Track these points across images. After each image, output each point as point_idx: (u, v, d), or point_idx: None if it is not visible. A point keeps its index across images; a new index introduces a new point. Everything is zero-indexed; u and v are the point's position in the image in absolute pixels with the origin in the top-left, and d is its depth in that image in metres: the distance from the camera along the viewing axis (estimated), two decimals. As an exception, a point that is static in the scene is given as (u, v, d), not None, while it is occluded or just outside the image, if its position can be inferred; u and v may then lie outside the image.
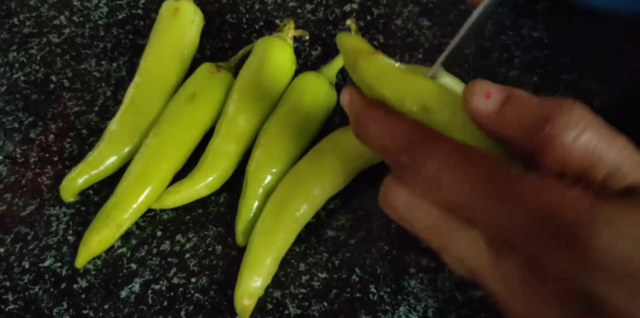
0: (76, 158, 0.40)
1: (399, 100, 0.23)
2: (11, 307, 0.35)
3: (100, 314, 0.34)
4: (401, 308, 0.33)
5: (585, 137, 0.18)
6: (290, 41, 0.41)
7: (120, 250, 0.37)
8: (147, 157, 0.37)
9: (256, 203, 0.36)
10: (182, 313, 0.34)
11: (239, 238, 0.36)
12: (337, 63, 0.41)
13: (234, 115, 0.38)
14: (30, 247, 0.37)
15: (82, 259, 0.35)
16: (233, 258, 0.36)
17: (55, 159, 0.40)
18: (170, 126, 0.38)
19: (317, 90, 0.39)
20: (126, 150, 0.38)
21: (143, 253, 0.36)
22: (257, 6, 0.46)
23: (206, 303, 0.34)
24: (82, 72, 0.44)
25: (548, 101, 0.19)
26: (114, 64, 0.44)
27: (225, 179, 0.38)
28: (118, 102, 0.41)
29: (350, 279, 0.35)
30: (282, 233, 0.35)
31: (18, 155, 0.41)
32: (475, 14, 0.25)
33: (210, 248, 0.36)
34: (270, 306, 0.34)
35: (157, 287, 0.35)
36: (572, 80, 0.40)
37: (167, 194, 0.37)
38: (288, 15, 0.45)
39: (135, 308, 0.35)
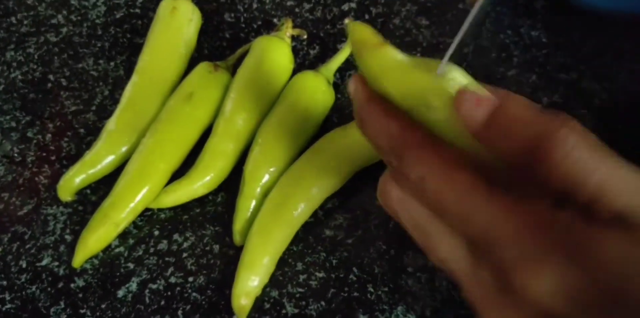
0: (73, 157, 0.40)
1: (400, 95, 0.22)
2: (8, 306, 0.35)
3: (98, 313, 0.34)
4: (399, 308, 0.33)
5: (575, 155, 0.18)
6: (288, 40, 0.41)
7: (117, 250, 0.37)
8: (144, 156, 0.37)
9: (254, 203, 0.36)
10: (180, 312, 0.34)
11: (237, 238, 0.36)
12: (335, 62, 0.41)
13: (231, 114, 0.38)
14: (28, 246, 0.37)
15: (79, 258, 0.35)
16: (230, 258, 0.36)
17: (53, 158, 0.40)
18: (168, 125, 0.38)
19: (314, 89, 0.39)
20: (124, 149, 0.38)
21: (140, 253, 0.36)
22: (255, 5, 0.46)
23: (203, 302, 0.34)
24: (79, 71, 0.44)
25: (540, 116, 0.19)
26: (112, 63, 0.44)
27: (222, 178, 0.38)
28: (116, 101, 0.41)
29: (348, 278, 0.35)
30: (279, 233, 0.35)
31: (15, 155, 0.41)
32: (475, 8, 0.25)
33: (207, 248, 0.36)
34: (267, 305, 0.34)
35: (154, 286, 0.35)
36: (571, 80, 0.40)
37: (164, 193, 0.37)
38: (286, 15, 0.45)
39: (132, 308, 0.34)
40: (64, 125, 0.41)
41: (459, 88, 0.21)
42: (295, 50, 0.43)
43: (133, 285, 0.35)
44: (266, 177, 0.36)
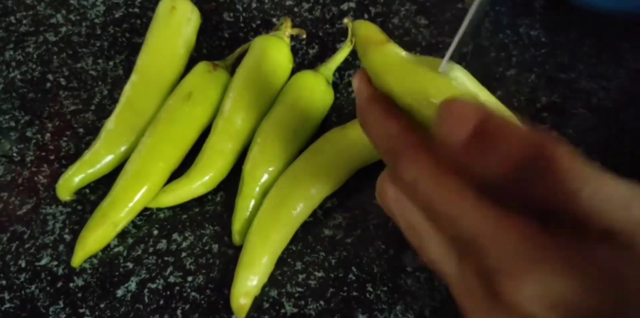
0: (72, 157, 0.40)
1: (402, 92, 0.22)
2: (7, 305, 0.35)
3: (97, 313, 0.34)
4: (398, 307, 0.33)
5: (579, 166, 0.17)
6: (287, 40, 0.41)
7: (116, 249, 0.37)
8: (143, 155, 0.37)
9: (253, 202, 0.36)
10: (179, 312, 0.34)
11: (236, 237, 0.36)
12: (334, 62, 0.41)
13: (230, 113, 0.38)
14: (27, 245, 0.37)
15: (78, 258, 0.35)
16: (229, 257, 0.36)
17: (52, 157, 0.40)
18: (167, 125, 0.38)
19: (314, 88, 0.39)
20: (123, 148, 0.38)
21: (139, 252, 0.36)
22: (254, 5, 0.46)
23: (202, 302, 0.34)
24: (78, 71, 0.44)
25: (528, 136, 0.18)
26: (111, 63, 0.44)
27: (221, 178, 0.38)
28: (114, 101, 0.41)
29: (347, 278, 0.35)
30: (278, 232, 0.35)
31: (14, 154, 0.41)
32: (473, 7, 0.25)
33: (206, 247, 0.36)
34: (266, 305, 0.34)
35: (153, 285, 0.35)
36: (570, 79, 0.40)
37: (163, 193, 0.37)
38: (285, 14, 0.45)
39: (131, 307, 0.34)
40: (63, 125, 0.41)
41: (468, 82, 0.20)
42: (294, 50, 0.43)
43: (132, 285, 0.35)
44: (265, 177, 0.36)
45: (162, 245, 0.36)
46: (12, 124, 0.42)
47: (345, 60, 0.42)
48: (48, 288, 0.35)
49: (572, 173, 0.17)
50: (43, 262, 0.36)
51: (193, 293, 0.35)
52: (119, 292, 0.35)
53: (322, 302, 0.34)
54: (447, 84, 0.22)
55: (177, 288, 0.35)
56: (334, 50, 0.42)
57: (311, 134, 0.38)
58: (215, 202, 0.38)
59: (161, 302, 0.35)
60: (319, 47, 0.43)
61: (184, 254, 0.36)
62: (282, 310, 0.34)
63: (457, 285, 0.20)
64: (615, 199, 0.17)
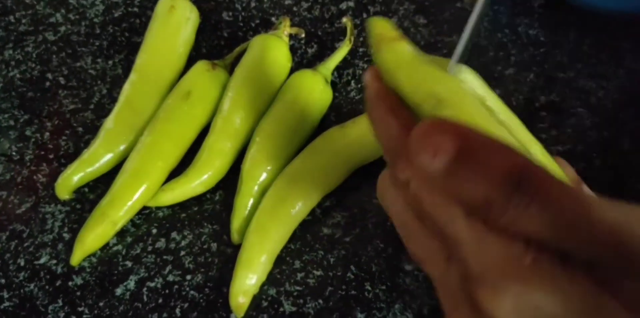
0: (72, 156, 0.40)
1: (412, 89, 0.22)
2: (6, 304, 0.35)
3: (96, 311, 0.34)
4: (396, 306, 0.33)
5: (557, 206, 0.16)
6: (286, 39, 0.41)
7: (115, 248, 0.37)
8: (142, 154, 0.37)
9: (251, 201, 0.36)
10: (177, 310, 0.34)
11: (234, 236, 0.36)
12: (333, 61, 0.41)
13: (229, 112, 0.38)
14: (26, 244, 0.37)
15: (77, 257, 0.35)
16: (228, 256, 0.36)
17: (51, 156, 0.40)
18: (166, 124, 0.38)
19: (312, 88, 0.39)
20: (121, 147, 0.38)
21: (138, 251, 0.36)
22: (253, 4, 0.46)
23: (201, 300, 0.34)
24: (77, 70, 0.44)
25: (513, 164, 0.16)
26: (110, 62, 0.44)
27: (220, 177, 0.38)
28: (114, 100, 0.41)
29: (346, 277, 0.35)
30: (277, 231, 0.35)
31: (13, 153, 0.41)
32: (477, 7, 0.25)
33: (205, 246, 0.36)
34: (265, 303, 0.34)
35: (152, 284, 0.35)
36: (569, 79, 0.40)
37: (162, 192, 0.37)
38: (284, 13, 0.45)
39: (130, 306, 0.35)
40: (62, 124, 0.42)
41: (477, 85, 0.20)
42: (293, 49, 0.43)
43: (131, 283, 0.35)
44: (264, 176, 0.36)
45: (161, 243, 0.37)
46: (12, 122, 0.42)
47: (344, 60, 0.42)
48: (47, 287, 0.36)
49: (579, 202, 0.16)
50: (42, 260, 0.37)
51: (192, 292, 0.35)
52: (118, 291, 0.35)
53: (320, 301, 0.34)
54: (456, 85, 0.22)
55: (176, 286, 0.35)
56: (332, 50, 0.42)
57: (310, 133, 0.38)
58: (214, 200, 0.38)
59: (160, 301, 0.35)
60: (318, 46, 0.43)
61: (182, 253, 0.36)
62: (281, 309, 0.34)
63: (439, 285, 0.20)
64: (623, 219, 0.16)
